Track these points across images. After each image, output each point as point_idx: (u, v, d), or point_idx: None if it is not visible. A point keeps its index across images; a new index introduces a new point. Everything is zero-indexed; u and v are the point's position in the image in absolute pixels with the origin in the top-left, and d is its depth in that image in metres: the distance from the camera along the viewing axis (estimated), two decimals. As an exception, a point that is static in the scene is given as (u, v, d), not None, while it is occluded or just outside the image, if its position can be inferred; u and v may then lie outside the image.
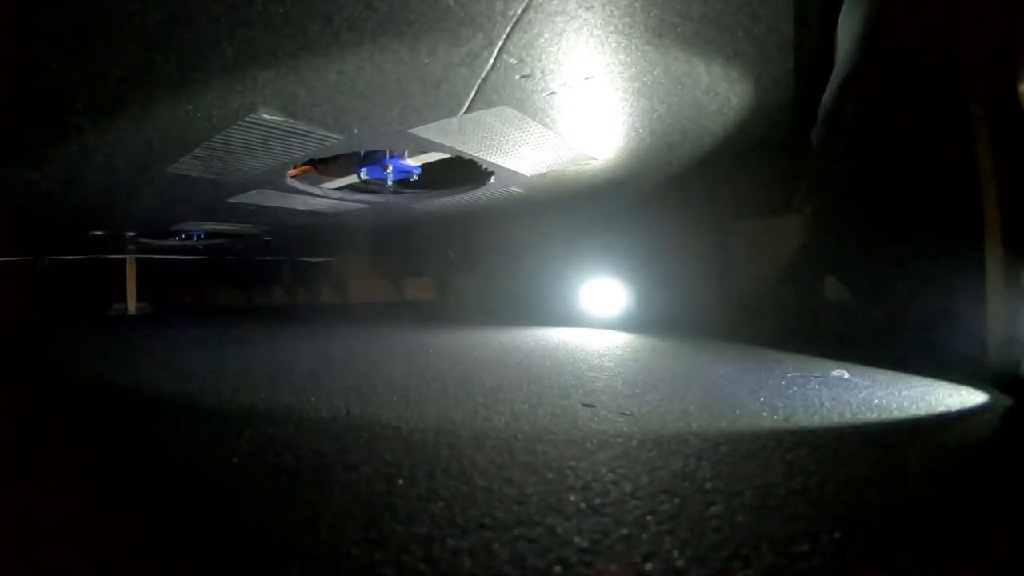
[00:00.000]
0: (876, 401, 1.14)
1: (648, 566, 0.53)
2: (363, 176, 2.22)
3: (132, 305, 4.03)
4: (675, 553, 0.55)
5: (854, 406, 1.10)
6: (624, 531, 0.60)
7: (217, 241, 3.76)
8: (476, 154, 1.90)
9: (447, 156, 2.02)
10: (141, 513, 0.68)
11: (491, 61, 1.24)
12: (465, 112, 1.50)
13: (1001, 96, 1.20)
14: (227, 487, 0.74)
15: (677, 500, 0.67)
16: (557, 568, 0.53)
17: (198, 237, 3.64)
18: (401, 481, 0.74)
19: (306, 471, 0.78)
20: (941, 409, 1.09)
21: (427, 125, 1.59)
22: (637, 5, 1.09)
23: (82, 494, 0.75)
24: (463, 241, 3.86)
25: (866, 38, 1.41)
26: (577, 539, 0.58)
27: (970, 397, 1.16)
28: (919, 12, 1.38)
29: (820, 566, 0.53)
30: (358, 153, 2.10)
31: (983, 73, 1.25)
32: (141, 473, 0.82)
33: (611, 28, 1.15)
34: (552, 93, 1.43)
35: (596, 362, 1.65)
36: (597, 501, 0.67)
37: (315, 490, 0.72)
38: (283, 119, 1.45)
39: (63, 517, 0.67)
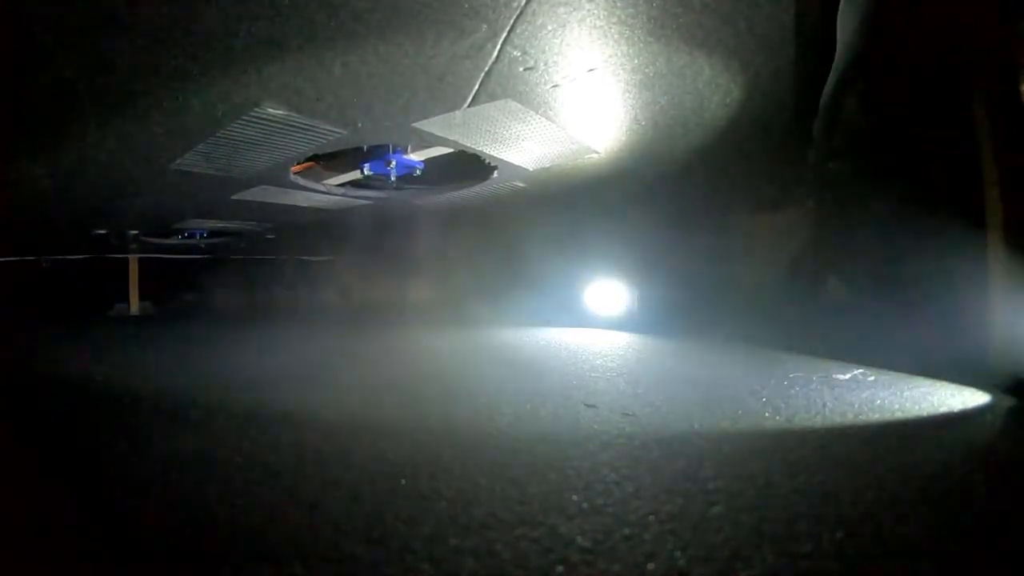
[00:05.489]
0: (878, 402, 1.13)
1: (650, 566, 0.53)
2: (366, 172, 2.22)
3: (134, 305, 4.01)
4: (677, 553, 0.55)
5: (856, 406, 1.10)
6: (626, 531, 0.60)
7: (219, 240, 3.76)
8: (479, 148, 1.89)
9: (450, 151, 2.02)
10: (144, 513, 0.68)
11: (495, 53, 1.23)
12: (469, 106, 1.49)
13: (1004, 92, 1.19)
14: (230, 487, 0.75)
15: (679, 500, 0.67)
16: (559, 568, 0.53)
17: (201, 236, 3.64)
18: (404, 481, 0.74)
19: (309, 471, 0.79)
20: (943, 410, 1.09)
21: (431, 119, 1.59)
22: (639, -6, 1.08)
23: (85, 494, 0.75)
24: (465, 240, 3.85)
25: (866, 29, 1.40)
26: (579, 539, 0.58)
27: (972, 398, 1.16)
28: (920, 4, 1.37)
29: (822, 566, 0.53)
30: (361, 148, 2.10)
31: (986, 68, 1.24)
32: (143, 473, 0.82)
33: (614, 19, 1.15)
34: (555, 86, 1.42)
35: (599, 363, 1.65)
36: (599, 501, 0.67)
37: (318, 490, 0.72)
38: (287, 113, 1.45)
39: (64, 518, 0.67)
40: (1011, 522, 0.64)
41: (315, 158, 2.07)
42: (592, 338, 2.21)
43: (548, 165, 2.15)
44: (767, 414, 1.05)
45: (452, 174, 2.44)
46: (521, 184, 2.45)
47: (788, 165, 2.15)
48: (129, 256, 4.00)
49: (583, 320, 2.75)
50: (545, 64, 1.30)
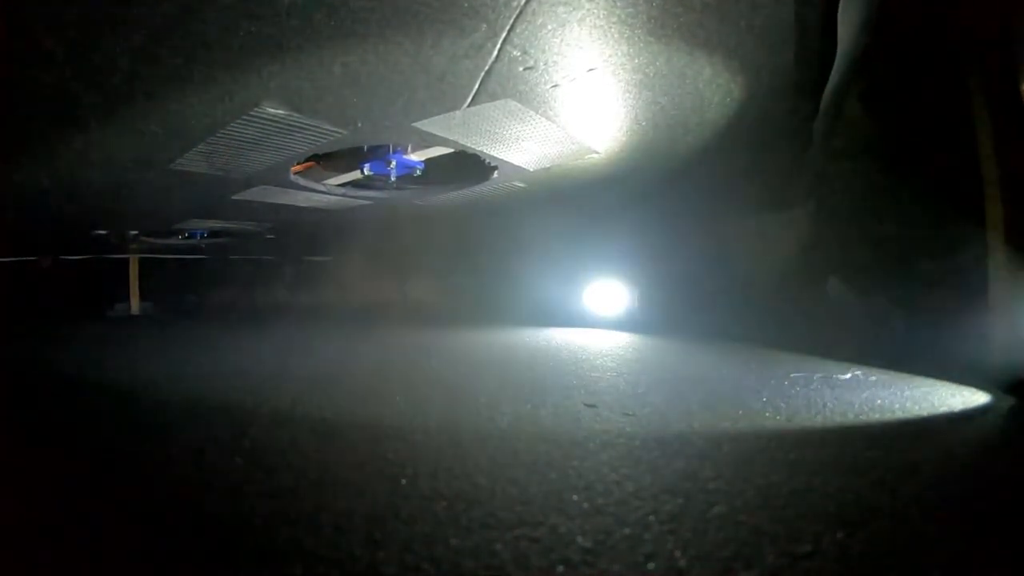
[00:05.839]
0: (879, 401, 1.13)
1: (651, 566, 0.53)
2: (366, 172, 2.21)
3: (135, 305, 4.01)
4: (677, 553, 0.55)
5: (856, 406, 1.10)
6: (627, 531, 0.60)
7: (220, 240, 3.76)
8: (479, 148, 1.89)
9: (450, 151, 2.02)
10: (145, 513, 0.68)
11: (495, 53, 1.23)
12: (468, 105, 1.49)
13: (1004, 92, 1.19)
14: (231, 487, 0.75)
15: (680, 500, 0.67)
16: (560, 568, 0.53)
17: (201, 236, 3.64)
18: (404, 481, 0.74)
19: (309, 471, 0.79)
20: (944, 410, 1.09)
21: (431, 119, 1.59)
22: (639, -7, 1.08)
23: (86, 494, 0.75)
24: (465, 240, 3.86)
25: (867, 29, 1.40)
26: (580, 539, 0.58)
27: (972, 398, 1.16)
28: (920, 4, 1.37)
29: (823, 566, 0.53)
30: (361, 148, 2.10)
31: (986, 68, 1.24)
32: (143, 473, 0.82)
33: (614, 18, 1.15)
34: (555, 85, 1.42)
35: (599, 363, 1.65)
36: (600, 501, 0.67)
37: (318, 490, 0.72)
38: (287, 113, 1.45)
39: (63, 518, 0.67)
40: (1011, 522, 0.64)
41: (315, 158, 2.07)
42: (592, 338, 2.21)
43: (548, 165, 2.15)
44: (767, 414, 1.05)
45: (452, 174, 2.44)
46: (521, 184, 2.45)
47: (789, 165, 2.15)
48: (129, 256, 3.99)
49: (583, 320, 2.75)
50: (545, 64, 1.30)
